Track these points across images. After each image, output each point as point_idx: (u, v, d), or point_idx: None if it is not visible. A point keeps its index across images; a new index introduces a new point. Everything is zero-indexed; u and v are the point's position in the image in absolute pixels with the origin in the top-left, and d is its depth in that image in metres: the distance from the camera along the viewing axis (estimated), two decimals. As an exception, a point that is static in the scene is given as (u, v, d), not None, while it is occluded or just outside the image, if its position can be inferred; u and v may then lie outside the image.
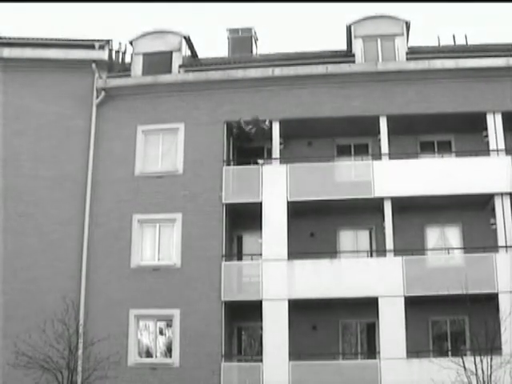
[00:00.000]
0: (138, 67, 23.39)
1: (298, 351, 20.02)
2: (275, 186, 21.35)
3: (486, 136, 21.52)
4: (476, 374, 17.10)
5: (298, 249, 20.98)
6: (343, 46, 24.15)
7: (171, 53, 23.48)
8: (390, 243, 20.70)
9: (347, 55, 23.26)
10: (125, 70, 23.87)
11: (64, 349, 18.15)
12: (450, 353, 20.24)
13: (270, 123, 22.02)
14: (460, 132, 22.16)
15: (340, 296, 20.16)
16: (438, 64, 21.84)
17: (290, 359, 19.87)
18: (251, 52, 26.40)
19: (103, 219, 21.68)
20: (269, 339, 20.13)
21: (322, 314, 20.95)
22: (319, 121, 22.04)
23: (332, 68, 22.14)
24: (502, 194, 20.65)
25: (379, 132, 21.79)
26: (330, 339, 21.15)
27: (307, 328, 21.04)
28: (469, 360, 17.30)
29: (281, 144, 22.21)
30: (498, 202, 20.65)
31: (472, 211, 21.27)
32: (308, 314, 20.77)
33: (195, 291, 20.69)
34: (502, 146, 21.17)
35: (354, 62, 22.55)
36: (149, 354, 21.04)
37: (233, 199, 21.53)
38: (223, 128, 22.17)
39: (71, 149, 22.43)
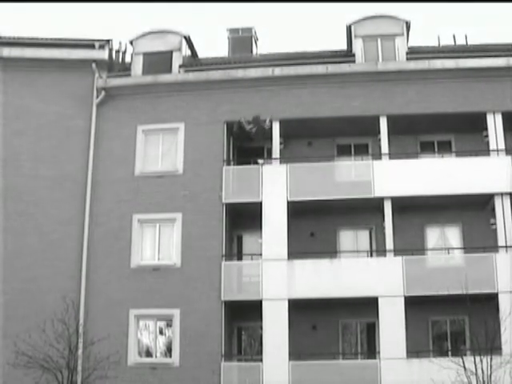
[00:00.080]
0: (138, 67, 23.39)
1: (297, 351, 20.02)
2: (275, 185, 21.36)
3: (486, 136, 21.52)
4: (476, 374, 17.11)
5: (298, 249, 20.98)
6: (343, 46, 24.16)
7: (171, 52, 23.48)
8: (389, 243, 20.70)
9: (347, 55, 23.26)
10: (125, 69, 23.87)
11: (64, 348, 18.15)
12: (449, 353, 20.24)
13: (271, 122, 22.02)
14: (460, 132, 22.16)
15: (340, 296, 20.16)
16: (438, 64, 21.84)
17: (289, 359, 19.87)
18: (251, 52, 26.39)
19: (103, 219, 21.68)
20: (269, 339, 20.13)
21: (322, 314, 20.95)
22: (319, 121, 22.03)
23: (332, 68, 22.14)
24: (502, 194, 20.65)
25: (379, 132, 21.80)
26: (330, 339, 21.15)
27: (307, 328, 21.04)
28: (469, 360, 17.31)
29: (281, 144, 22.21)
30: (498, 202, 20.65)
31: (472, 211, 21.27)
32: (308, 314, 20.77)
33: (195, 291, 20.70)
34: (502, 145, 21.17)
35: (354, 61, 22.55)
36: (149, 354, 21.05)
37: (233, 199, 21.53)
38: (223, 128, 22.18)
39: (71, 148, 22.43)
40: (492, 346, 17.25)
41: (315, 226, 21.96)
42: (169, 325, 21.00)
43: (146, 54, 23.50)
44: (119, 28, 53.30)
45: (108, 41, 23.05)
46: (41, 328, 18.65)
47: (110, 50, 23.37)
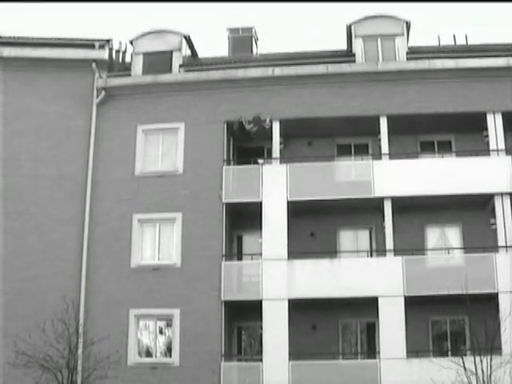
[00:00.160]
0: (138, 67, 23.39)
1: (297, 351, 20.02)
2: (275, 185, 21.36)
3: (486, 136, 21.52)
4: (476, 374, 17.11)
5: (298, 249, 20.98)
6: (343, 46, 24.16)
7: (171, 52, 23.48)
8: (389, 243, 20.70)
9: (347, 55, 23.26)
10: (125, 69, 23.87)
11: (64, 348, 18.15)
12: (449, 353, 20.24)
13: (271, 122, 22.02)
14: (460, 132, 22.16)
15: (340, 296, 20.16)
16: (439, 64, 21.84)
17: (289, 359, 19.87)
18: (251, 52, 26.39)
19: (103, 219, 21.68)
20: (269, 339, 20.13)
21: (322, 314, 20.95)
22: (319, 120, 22.03)
23: (332, 68, 22.14)
24: (502, 194, 20.65)
25: (379, 132, 21.80)
26: (330, 339, 21.15)
27: (307, 328, 21.04)
28: (469, 360, 17.31)
29: (281, 144, 22.21)
30: (498, 202, 20.65)
31: (472, 211, 21.27)
32: (308, 314, 20.77)
33: (195, 291, 20.70)
34: (502, 145, 21.17)
35: (354, 61, 22.55)
36: (149, 354, 21.05)
37: (233, 199, 21.54)
38: (223, 128, 22.18)
39: (71, 148, 22.42)
40: (492, 346, 17.25)
41: (315, 225, 21.95)
42: (169, 325, 21.01)
43: (146, 54, 23.50)
44: (119, 28, 53.35)
45: (108, 41, 23.05)
46: (41, 328, 18.66)
47: (110, 50, 23.38)
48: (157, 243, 21.63)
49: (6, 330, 20.49)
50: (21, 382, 18.93)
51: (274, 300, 20.35)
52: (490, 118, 21.39)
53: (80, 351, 18.58)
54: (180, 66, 23.25)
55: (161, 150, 22.42)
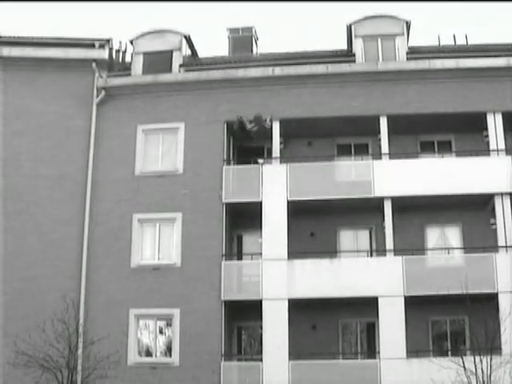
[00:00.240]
0: (138, 66, 23.38)
1: (297, 351, 20.02)
2: (275, 185, 21.36)
3: (486, 136, 21.52)
4: (476, 374, 17.11)
5: (298, 248, 20.98)
6: (343, 46, 24.16)
7: (171, 52, 23.48)
8: (389, 243, 20.70)
9: (347, 55, 23.26)
10: (125, 69, 23.87)
11: (64, 348, 18.16)
12: (449, 353, 20.24)
13: (271, 121, 22.01)
14: (460, 132, 22.16)
15: (340, 296, 20.16)
16: (439, 64, 21.84)
17: (289, 359, 19.87)
18: (251, 51, 26.39)
19: (103, 219, 21.68)
20: (269, 339, 20.13)
21: (322, 314, 20.95)
22: (319, 120, 22.03)
23: (332, 68, 22.14)
24: (502, 194, 20.66)
25: (379, 132, 21.80)
26: (330, 339, 21.16)
27: (307, 328, 21.04)
28: (469, 360, 17.31)
29: (281, 143, 22.21)
30: (498, 202, 20.65)
31: (472, 211, 21.27)
32: (308, 314, 20.77)
33: (195, 290, 20.70)
34: (502, 145, 21.17)
35: (354, 61, 22.55)
36: (149, 354, 21.05)
37: (233, 199, 21.54)
38: (223, 127, 22.18)
39: (71, 148, 22.42)
40: (492, 346, 17.25)
41: (315, 225, 21.95)
42: (169, 324, 21.01)
43: (146, 54, 23.49)
44: (119, 27, 53.37)
45: (108, 40, 23.05)
46: (41, 327, 18.66)
47: (110, 50, 23.39)
48: (157, 243, 21.63)
49: (5, 329, 20.49)
50: (21, 381, 18.93)
51: (273, 300, 20.35)
52: (490, 118, 21.39)
53: (80, 351, 18.59)
54: (180, 65, 23.25)
55: (161, 149, 22.42)
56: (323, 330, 21.16)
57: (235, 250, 22.54)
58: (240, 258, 22.35)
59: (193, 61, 24.21)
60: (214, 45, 44.55)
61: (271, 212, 21.13)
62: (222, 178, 21.62)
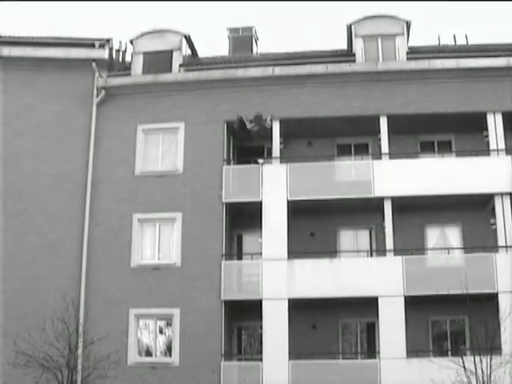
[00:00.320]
0: (138, 66, 23.38)
1: (297, 351, 20.02)
2: (275, 185, 21.36)
3: (486, 136, 21.52)
4: (476, 374, 17.11)
5: (298, 248, 20.99)
6: (343, 46, 24.16)
7: (171, 52, 23.48)
8: (389, 243, 20.70)
9: (347, 55, 23.26)
10: (125, 68, 23.87)
11: (64, 348, 18.15)
12: (449, 353, 20.24)
13: (271, 121, 22.00)
14: (460, 132, 22.16)
15: (340, 295, 20.15)
16: (439, 64, 21.84)
17: (289, 358, 19.87)
18: (251, 51, 26.39)
19: (103, 218, 21.68)
20: (269, 338, 20.13)
21: (322, 314, 20.95)
22: (319, 120, 22.03)
23: (332, 67, 22.14)
24: (502, 194, 20.66)
25: (379, 132, 21.80)
26: (330, 339, 21.16)
27: (307, 327, 21.04)
28: (468, 360, 17.30)
29: (281, 143, 22.21)
30: (498, 202, 20.65)
31: (472, 211, 21.27)
32: (308, 314, 20.77)
33: (195, 290, 20.70)
34: (502, 145, 21.17)
35: (354, 61, 22.55)
36: (149, 353, 21.05)
37: (233, 198, 21.54)
38: (223, 127, 22.18)
39: (71, 148, 22.42)
40: (492, 346, 17.24)
41: (315, 225, 21.96)
42: (169, 324, 21.01)
43: (146, 54, 23.49)
44: (119, 27, 53.34)
45: (108, 40, 23.05)
46: (41, 327, 18.65)
47: (110, 50, 23.39)
48: (157, 243, 21.63)
49: (5, 329, 20.49)
50: (21, 381, 18.92)
51: (273, 300, 20.35)
52: (490, 117, 21.39)
53: (80, 350, 18.57)
54: (180, 65, 23.25)
55: (161, 149, 22.42)
56: (323, 329, 21.17)
57: (235, 250, 22.53)
58: (240, 257, 22.34)
59: (193, 61, 24.21)
60: (214, 45, 44.60)
61: (271, 212, 21.13)
62: (222, 178, 21.62)
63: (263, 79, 22.33)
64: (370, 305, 19.99)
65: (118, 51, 24.63)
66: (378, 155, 21.97)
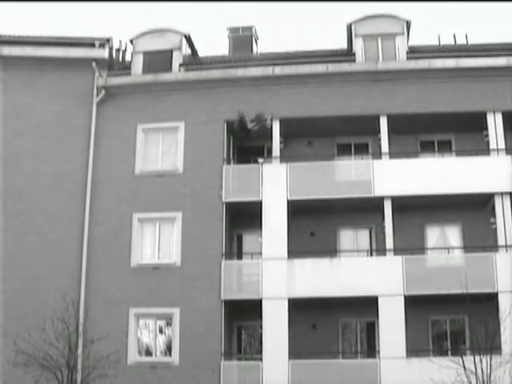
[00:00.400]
0: (138, 66, 23.37)
1: (297, 350, 20.02)
2: (275, 184, 21.35)
3: (487, 136, 21.52)
4: (476, 374, 17.11)
5: (298, 248, 20.98)
6: (344, 45, 24.16)
7: (171, 51, 23.46)
8: (389, 242, 20.70)
9: (348, 54, 23.26)
10: (125, 68, 23.87)
11: (64, 347, 18.14)
12: (449, 352, 20.25)
13: (271, 120, 22.00)
14: (460, 131, 22.16)
15: (340, 295, 20.15)
16: (439, 63, 21.83)
17: (289, 358, 19.87)
18: (252, 51, 26.39)
19: (103, 218, 21.68)
20: (269, 338, 20.13)
21: (322, 313, 20.95)
22: (319, 120, 22.03)
23: (332, 67, 22.13)
24: (502, 194, 20.65)
25: (379, 131, 21.79)
26: (330, 338, 21.15)
27: (307, 327, 21.04)
28: (468, 359, 17.30)
29: (281, 143, 22.20)
30: (498, 201, 20.65)
31: (472, 211, 21.26)
32: (308, 313, 20.77)
33: (195, 290, 20.70)
34: (502, 145, 21.17)
35: (354, 61, 22.55)
36: (148, 353, 21.05)
37: (233, 198, 21.53)
38: (223, 127, 22.17)
39: (71, 147, 22.42)
40: (492, 346, 17.25)
41: (315, 225, 21.95)
42: (169, 324, 21.01)
43: (146, 53, 23.48)
44: (119, 27, 53.40)
45: (108, 39, 23.04)
46: (41, 327, 18.64)
47: (111, 49, 23.37)
48: (157, 242, 21.63)
49: (6, 329, 20.49)
50: (21, 381, 18.94)
51: (273, 299, 20.35)
52: (490, 117, 21.38)
53: (80, 350, 18.59)
54: (180, 65, 23.24)
55: (161, 149, 22.42)
56: (323, 329, 21.16)
57: (235, 250, 22.53)
58: (240, 257, 22.34)
59: (193, 60, 24.21)
60: (214, 44, 44.67)
61: (271, 211, 21.12)
62: (222, 178, 21.62)
63: (263, 79, 22.33)
64: (369, 304, 19.99)
65: (118, 51, 24.65)
66: (377, 155, 21.97)
